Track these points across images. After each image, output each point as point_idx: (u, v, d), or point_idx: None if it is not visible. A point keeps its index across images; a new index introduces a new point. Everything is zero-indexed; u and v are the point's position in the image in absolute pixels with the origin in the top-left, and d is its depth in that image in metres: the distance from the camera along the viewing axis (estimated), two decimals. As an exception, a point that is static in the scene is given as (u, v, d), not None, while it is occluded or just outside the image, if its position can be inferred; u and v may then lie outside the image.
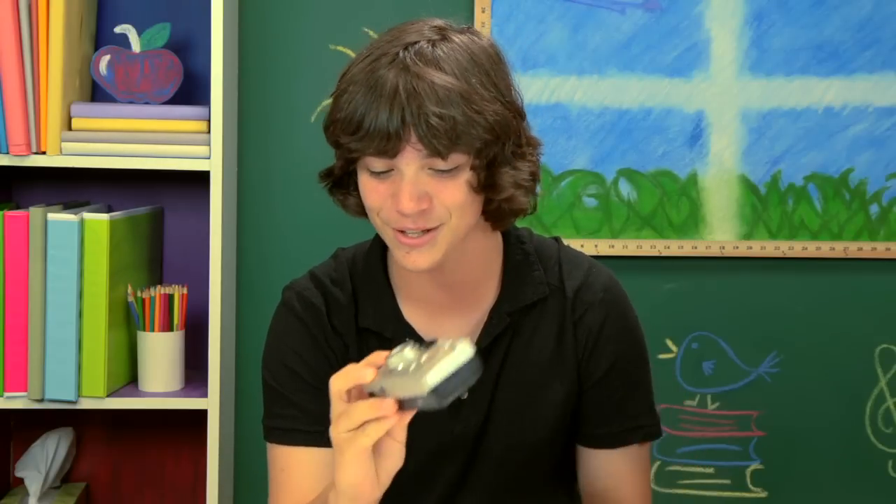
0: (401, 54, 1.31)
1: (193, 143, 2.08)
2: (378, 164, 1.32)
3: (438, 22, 1.37)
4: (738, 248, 2.37)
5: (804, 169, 2.38)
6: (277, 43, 2.32)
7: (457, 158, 1.31)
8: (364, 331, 1.46)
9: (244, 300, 2.31)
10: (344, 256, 1.52)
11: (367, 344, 1.45)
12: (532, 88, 2.32)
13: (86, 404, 2.06)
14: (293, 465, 1.45)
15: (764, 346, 2.42)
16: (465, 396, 1.42)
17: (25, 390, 2.04)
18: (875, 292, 2.42)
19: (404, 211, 1.31)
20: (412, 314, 1.46)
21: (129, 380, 2.17)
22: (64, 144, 2.06)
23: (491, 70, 1.34)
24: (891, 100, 2.38)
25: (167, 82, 2.13)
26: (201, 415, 2.08)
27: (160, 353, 2.11)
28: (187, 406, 2.09)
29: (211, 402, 2.06)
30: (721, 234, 2.38)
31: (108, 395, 2.07)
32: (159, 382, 2.12)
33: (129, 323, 2.15)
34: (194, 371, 2.19)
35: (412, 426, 1.23)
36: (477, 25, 2.26)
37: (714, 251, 2.37)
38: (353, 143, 1.31)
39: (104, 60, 2.13)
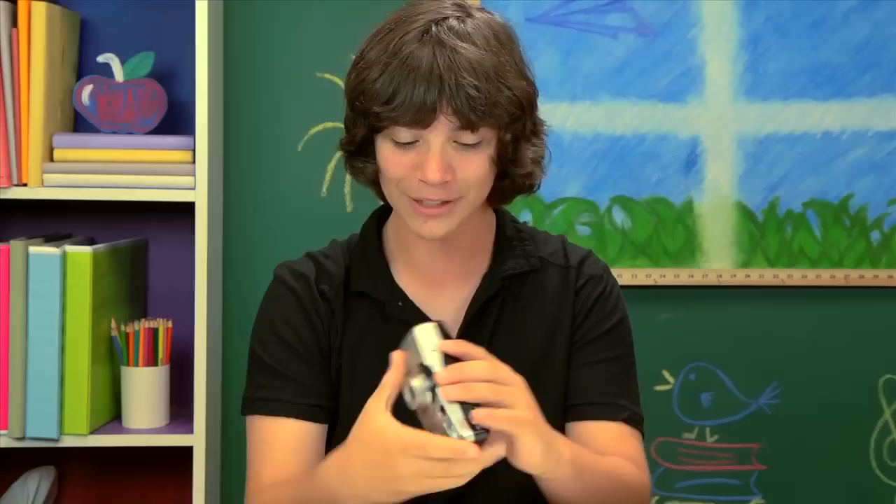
0: (433, 29, 1.35)
1: (178, 173, 2.07)
2: (406, 134, 1.36)
3: (454, 0, 1.41)
4: (735, 276, 2.37)
5: (803, 195, 2.38)
6: (263, 71, 2.32)
7: (483, 133, 1.36)
8: (354, 295, 1.48)
9: (230, 334, 2.29)
10: (339, 240, 1.56)
11: (356, 307, 1.48)
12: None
13: (68, 442, 2.05)
14: (275, 436, 1.44)
15: (764, 376, 2.41)
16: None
17: (6, 428, 2.03)
18: (878, 321, 2.41)
19: (430, 181, 1.36)
20: (405, 282, 1.49)
21: (113, 416, 2.15)
22: (45, 176, 2.06)
23: (512, 47, 1.41)
24: (891, 124, 2.38)
25: (151, 112, 2.13)
26: (187, 452, 2.07)
27: (144, 388, 2.10)
28: (173, 443, 2.08)
29: (197, 439, 2.05)
30: (718, 263, 2.37)
31: (90, 433, 2.06)
32: (144, 419, 2.10)
33: (112, 358, 2.13)
34: (180, 407, 2.18)
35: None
36: (467, 52, 2.26)
37: (711, 280, 2.37)
38: (386, 112, 1.34)
39: (87, 90, 2.12)
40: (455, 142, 1.36)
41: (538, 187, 1.49)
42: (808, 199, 2.37)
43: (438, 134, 1.35)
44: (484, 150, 1.38)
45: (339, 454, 1.28)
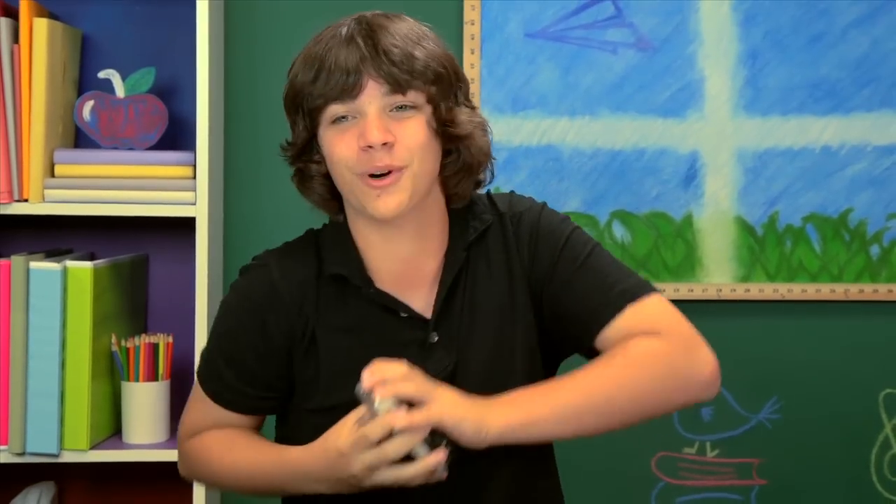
0: (354, 21, 1.44)
1: (179, 188, 2.08)
2: (340, 108, 1.42)
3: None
4: (735, 290, 2.36)
5: (802, 209, 2.37)
6: (263, 87, 2.32)
7: (416, 97, 1.42)
8: (331, 279, 1.50)
9: (231, 349, 2.28)
10: (315, 231, 1.59)
11: (331, 289, 1.50)
12: (523, 130, 2.31)
13: (68, 457, 2.05)
14: (207, 408, 1.55)
15: (764, 391, 2.40)
16: (436, 340, 1.48)
17: (6, 443, 2.03)
18: (878, 335, 2.40)
19: (371, 141, 1.39)
20: (374, 276, 1.51)
21: (113, 431, 2.15)
22: (47, 192, 2.07)
23: (435, 36, 1.48)
24: (890, 138, 2.37)
25: (152, 127, 2.13)
26: None
27: (145, 403, 2.10)
28: (173, 458, 2.01)
29: None
30: (718, 277, 2.37)
31: (91, 448, 2.06)
32: (144, 434, 2.11)
33: (112, 373, 2.13)
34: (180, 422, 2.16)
35: None
36: (466, 67, 2.27)
37: (711, 294, 2.36)
38: (317, 88, 1.41)
39: (88, 106, 2.13)
40: (390, 110, 1.41)
41: (491, 177, 1.53)
42: (808, 213, 2.37)
43: (370, 100, 1.40)
44: (420, 115, 1.43)
45: (305, 453, 1.42)
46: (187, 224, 2.09)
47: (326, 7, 2.31)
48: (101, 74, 2.15)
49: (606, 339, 1.46)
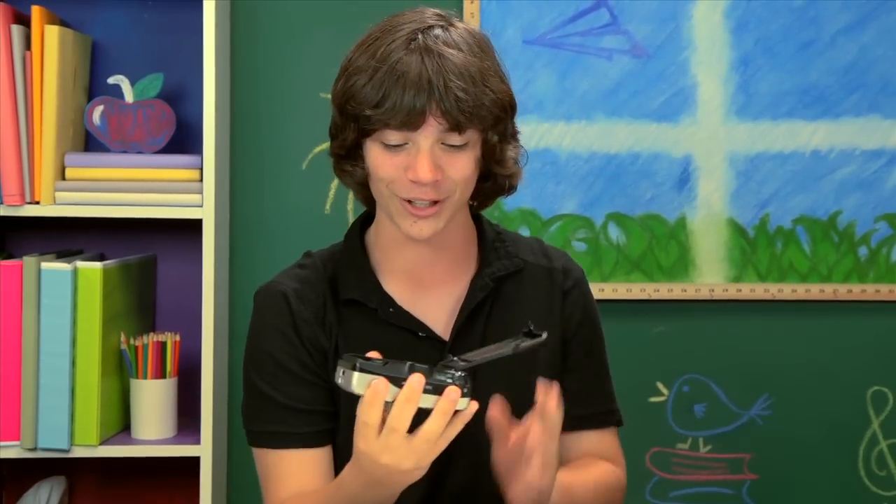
0: (419, 37, 1.38)
1: (186, 191, 2.10)
2: (395, 136, 1.39)
3: (434, 10, 1.45)
4: (727, 290, 2.38)
5: (792, 212, 2.39)
6: (268, 92, 2.34)
7: (469, 134, 1.40)
8: (345, 303, 1.49)
9: (237, 347, 2.30)
10: (315, 254, 1.56)
11: (348, 315, 1.49)
12: (521, 134, 2.32)
13: (78, 452, 2.06)
14: (284, 462, 1.47)
15: (755, 388, 2.41)
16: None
17: (18, 439, 2.04)
18: (865, 334, 2.42)
19: (422, 180, 1.38)
20: (393, 289, 1.50)
21: (122, 427, 2.17)
22: (57, 194, 2.08)
23: (492, 54, 1.45)
24: (877, 143, 2.39)
25: (160, 132, 2.15)
26: (194, 462, 2.08)
27: (153, 400, 2.12)
28: (180, 453, 2.10)
29: (204, 449, 2.07)
30: (710, 277, 2.38)
31: (100, 443, 2.07)
32: (152, 430, 2.12)
33: (121, 371, 2.15)
34: (187, 418, 2.19)
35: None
36: (466, 73, 2.29)
37: (703, 294, 2.38)
38: (377, 115, 1.37)
39: (97, 111, 2.14)
40: (443, 143, 1.39)
41: (515, 189, 1.53)
42: (798, 215, 2.38)
43: (427, 136, 1.38)
44: (470, 150, 1.41)
45: (348, 470, 1.33)
46: (194, 225, 2.10)
47: (331, 13, 2.34)
48: (111, 80, 2.17)
49: (580, 440, 1.54)
